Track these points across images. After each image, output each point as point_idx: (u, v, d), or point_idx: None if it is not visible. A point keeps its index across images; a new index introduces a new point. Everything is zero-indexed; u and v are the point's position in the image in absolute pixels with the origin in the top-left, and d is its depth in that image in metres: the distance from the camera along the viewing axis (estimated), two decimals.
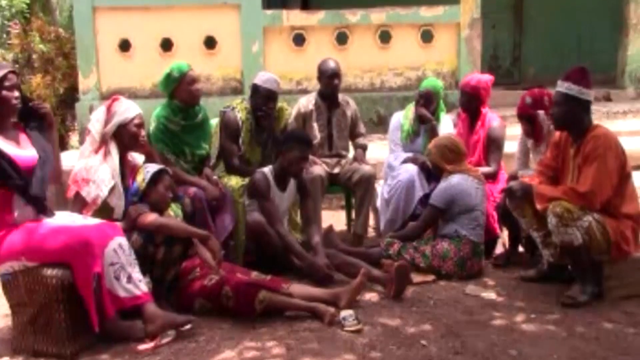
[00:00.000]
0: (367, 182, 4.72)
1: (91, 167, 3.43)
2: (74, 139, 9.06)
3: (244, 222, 4.16)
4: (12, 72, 3.15)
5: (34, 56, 9.11)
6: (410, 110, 4.96)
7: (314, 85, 5.56)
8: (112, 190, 3.45)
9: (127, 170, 3.63)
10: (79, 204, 3.42)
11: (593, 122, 3.74)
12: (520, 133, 4.55)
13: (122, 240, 3.16)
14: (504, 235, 4.47)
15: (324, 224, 4.70)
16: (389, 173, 4.80)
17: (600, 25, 10.08)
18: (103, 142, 3.52)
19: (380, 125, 7.77)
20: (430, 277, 4.02)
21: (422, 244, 4.13)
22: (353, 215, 4.97)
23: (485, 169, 4.54)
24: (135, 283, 3.14)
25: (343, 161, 4.95)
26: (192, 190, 3.99)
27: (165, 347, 3.10)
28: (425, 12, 8.08)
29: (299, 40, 8.03)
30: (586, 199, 3.53)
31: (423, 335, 3.21)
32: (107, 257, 3.07)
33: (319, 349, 3.06)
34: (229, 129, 4.48)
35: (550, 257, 3.81)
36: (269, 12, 8.07)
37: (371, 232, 5.04)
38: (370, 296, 3.76)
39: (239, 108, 4.54)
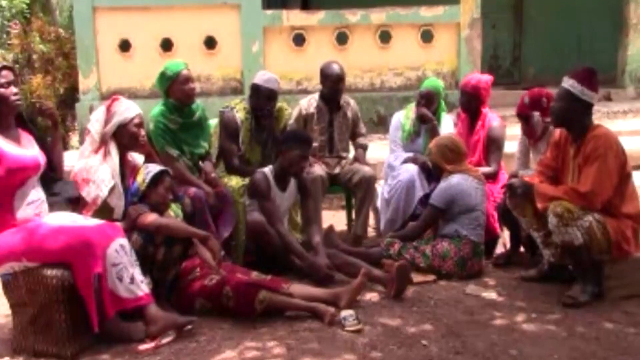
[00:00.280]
0: (368, 184, 4.72)
1: (91, 167, 3.43)
2: (74, 139, 9.06)
3: (244, 222, 4.16)
4: (6, 68, 3.12)
5: (34, 56, 9.12)
6: (410, 110, 4.96)
7: (314, 85, 5.57)
8: (112, 190, 3.44)
9: (127, 171, 3.62)
10: (79, 204, 3.41)
11: (593, 122, 3.73)
12: (520, 133, 4.56)
13: (123, 241, 3.16)
14: (505, 235, 4.47)
15: (325, 224, 4.71)
16: (389, 173, 4.80)
17: (600, 25, 10.07)
18: (103, 142, 3.52)
19: (380, 125, 7.78)
20: (431, 277, 4.02)
21: (423, 244, 4.13)
22: (353, 215, 4.97)
23: (486, 169, 4.54)
24: (137, 284, 3.14)
25: (343, 161, 4.95)
26: (192, 190, 3.98)
27: (165, 347, 3.10)
28: (425, 12, 8.08)
29: (299, 40, 8.03)
30: (587, 199, 3.52)
31: (423, 335, 3.21)
32: (109, 258, 3.06)
33: (319, 349, 3.06)
34: (228, 129, 4.48)
35: (551, 257, 3.81)
36: (269, 12, 8.08)
37: (371, 232, 5.04)
38: (371, 296, 3.75)
39: (238, 108, 4.54)
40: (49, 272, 3.04)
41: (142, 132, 3.61)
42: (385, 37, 8.11)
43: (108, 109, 3.57)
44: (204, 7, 7.91)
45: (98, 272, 3.02)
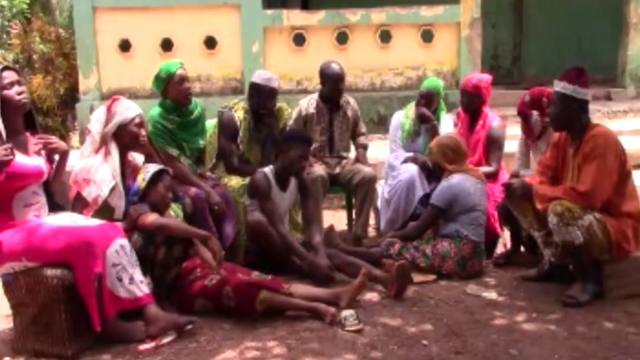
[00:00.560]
0: (368, 184, 4.71)
1: (91, 167, 3.43)
2: (74, 139, 9.05)
3: (244, 222, 4.16)
4: (8, 68, 3.11)
5: (35, 56, 9.11)
6: (410, 110, 4.96)
7: (314, 85, 5.56)
8: (112, 190, 3.45)
9: (127, 171, 3.63)
10: (80, 204, 3.42)
11: (593, 121, 3.73)
12: (521, 133, 4.57)
13: (123, 241, 3.16)
14: (505, 235, 4.47)
15: (325, 224, 4.71)
16: (390, 173, 4.80)
17: (600, 24, 10.08)
18: (103, 142, 3.52)
19: (380, 125, 7.77)
20: (431, 277, 4.02)
21: (423, 244, 4.13)
22: (354, 215, 4.97)
23: (486, 169, 4.54)
24: (137, 284, 3.14)
25: (344, 161, 4.95)
26: (193, 190, 3.99)
27: (166, 347, 3.10)
28: (426, 12, 8.08)
29: (299, 40, 8.03)
30: (587, 198, 3.52)
31: (424, 335, 3.20)
32: (109, 258, 3.06)
33: (319, 348, 3.06)
34: (227, 129, 4.48)
35: (551, 256, 3.81)
36: (269, 12, 8.08)
37: (372, 232, 5.04)
38: (371, 296, 3.75)
39: (237, 108, 4.54)
40: (49, 272, 3.04)
41: (143, 132, 3.61)
42: (385, 36, 8.11)
43: (108, 109, 3.57)
44: (204, 7, 7.91)
45: (98, 272, 3.02)
